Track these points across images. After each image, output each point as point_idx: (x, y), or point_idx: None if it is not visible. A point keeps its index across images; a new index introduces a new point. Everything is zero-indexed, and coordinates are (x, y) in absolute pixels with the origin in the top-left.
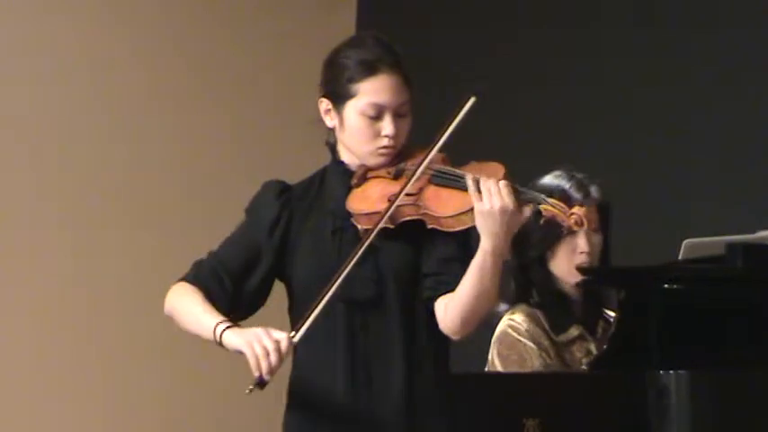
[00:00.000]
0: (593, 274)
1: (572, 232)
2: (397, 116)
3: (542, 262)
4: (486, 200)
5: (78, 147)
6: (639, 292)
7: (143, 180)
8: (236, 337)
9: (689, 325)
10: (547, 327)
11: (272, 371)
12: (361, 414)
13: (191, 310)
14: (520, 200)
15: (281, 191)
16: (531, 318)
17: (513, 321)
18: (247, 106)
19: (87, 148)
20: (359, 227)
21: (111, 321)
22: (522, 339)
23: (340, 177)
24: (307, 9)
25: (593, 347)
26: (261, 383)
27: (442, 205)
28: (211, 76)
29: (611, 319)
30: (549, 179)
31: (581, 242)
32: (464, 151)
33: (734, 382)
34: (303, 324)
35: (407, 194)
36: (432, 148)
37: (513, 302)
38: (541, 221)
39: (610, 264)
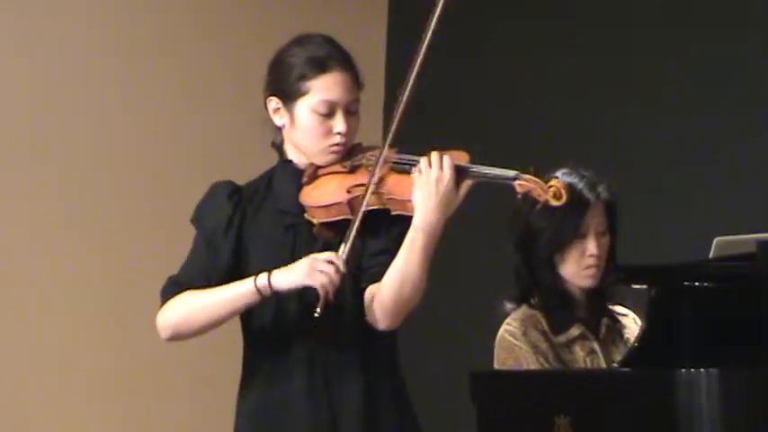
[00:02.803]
0: (624, 273)
1: (581, 235)
2: (348, 113)
3: (551, 264)
4: (425, 170)
5: (64, 146)
6: (670, 289)
7: (141, 178)
8: (291, 276)
9: (720, 323)
10: (546, 328)
11: (336, 291)
12: (318, 414)
13: (208, 297)
14: (461, 176)
15: (231, 192)
16: (528, 321)
17: (510, 326)
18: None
19: (75, 147)
20: (314, 221)
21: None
22: (518, 343)
23: (289, 176)
24: (338, 11)
25: (596, 346)
26: (327, 304)
27: (407, 190)
28: (233, 77)
29: (617, 317)
30: (558, 176)
31: (590, 245)
32: (478, 151)
33: (765, 380)
34: (349, 239)
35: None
36: (391, 132)
37: (517, 302)
38: (518, 197)
39: (617, 264)
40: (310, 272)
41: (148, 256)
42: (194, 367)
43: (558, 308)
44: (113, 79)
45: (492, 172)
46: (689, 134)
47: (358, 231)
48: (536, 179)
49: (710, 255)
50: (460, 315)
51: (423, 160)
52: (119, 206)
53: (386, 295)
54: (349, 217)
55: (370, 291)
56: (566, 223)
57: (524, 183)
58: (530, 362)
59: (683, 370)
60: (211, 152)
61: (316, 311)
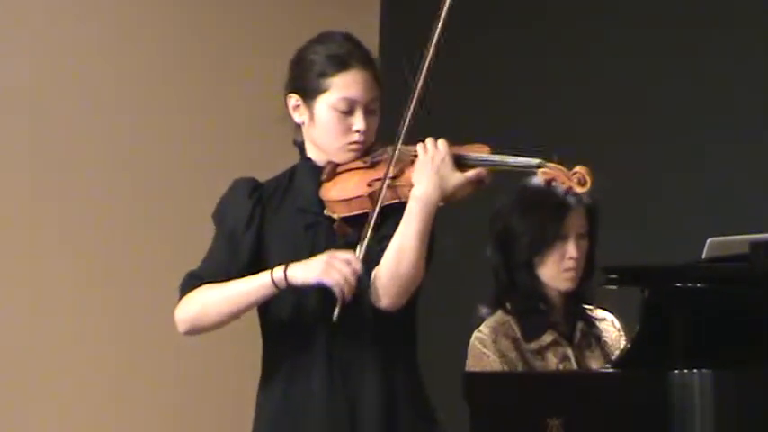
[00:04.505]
0: (617, 274)
1: (562, 237)
2: (367, 112)
3: (530, 266)
4: (422, 152)
5: (69, 146)
6: (663, 290)
7: (145, 177)
8: (307, 272)
9: (713, 324)
10: (518, 335)
11: (353, 291)
12: (336, 412)
13: (224, 290)
14: (463, 164)
15: (252, 189)
16: (500, 328)
17: (481, 333)
18: (262, 105)
19: (80, 146)
20: (334, 216)
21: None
22: (486, 352)
23: (309, 174)
24: (330, 9)
25: (569, 352)
26: (345, 306)
27: None
28: (226, 76)
29: (594, 321)
30: (539, 180)
31: (570, 248)
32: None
33: (758, 382)
34: (365, 239)
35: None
36: (404, 124)
37: (493, 306)
38: (543, 185)
39: (595, 268)
40: (327, 269)
41: (163, 253)
42: (212, 363)
43: (532, 313)
44: (123, 78)
45: (514, 161)
46: (682, 134)
47: (376, 226)
48: (560, 167)
49: (703, 255)
50: (454, 316)
51: (419, 146)
52: (133, 203)
53: (384, 270)
54: (369, 210)
55: (374, 272)
56: (546, 226)
57: (548, 170)
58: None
59: (676, 371)
60: (216, 152)
61: (333, 316)
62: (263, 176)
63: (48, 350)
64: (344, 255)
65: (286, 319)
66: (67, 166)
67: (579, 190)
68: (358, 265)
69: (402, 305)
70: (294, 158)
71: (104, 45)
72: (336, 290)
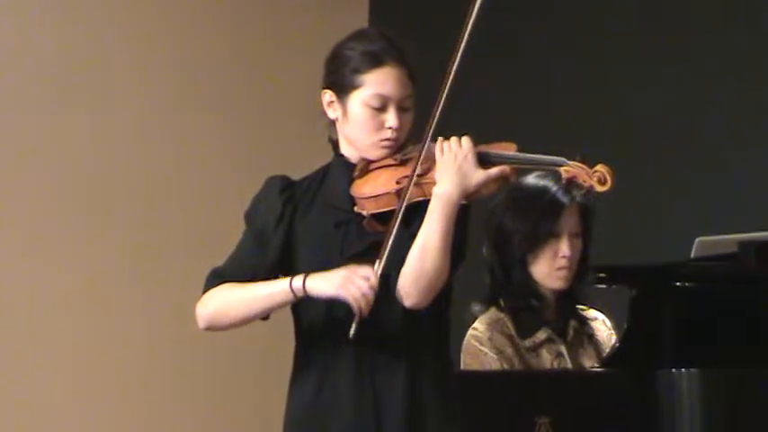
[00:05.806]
0: (606, 273)
1: (555, 236)
2: (400, 109)
3: (523, 264)
4: (446, 149)
5: (80, 146)
6: (651, 289)
7: (153, 178)
8: (326, 285)
9: (701, 323)
10: (513, 332)
11: (370, 308)
12: (363, 406)
13: (244, 291)
14: (486, 161)
15: (283, 187)
16: (494, 325)
17: (476, 331)
18: (255, 106)
19: (89, 147)
20: (363, 213)
21: (120, 322)
22: (483, 349)
23: (342, 170)
24: (319, 7)
25: (563, 349)
26: (362, 322)
27: None
28: (219, 76)
29: (586, 319)
30: (532, 179)
31: (563, 246)
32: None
33: (745, 381)
34: (384, 254)
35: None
36: (432, 122)
37: (486, 304)
38: (563, 182)
39: (588, 267)
40: (345, 284)
41: (179, 254)
42: (241, 361)
43: (526, 310)
44: (143, 75)
45: (536, 158)
46: (674, 135)
47: (403, 222)
48: (581, 165)
49: (692, 255)
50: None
51: (445, 143)
52: (154, 200)
53: (408, 269)
54: (396, 207)
55: (401, 272)
56: (540, 224)
57: (570, 168)
58: (494, 368)
59: (664, 370)
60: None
61: (350, 333)
62: (297, 175)
63: (50, 351)
64: (364, 270)
65: (318, 319)
66: (89, 169)
67: (600, 189)
68: (376, 281)
69: (428, 304)
70: (328, 157)
71: (128, 45)
72: (354, 306)
